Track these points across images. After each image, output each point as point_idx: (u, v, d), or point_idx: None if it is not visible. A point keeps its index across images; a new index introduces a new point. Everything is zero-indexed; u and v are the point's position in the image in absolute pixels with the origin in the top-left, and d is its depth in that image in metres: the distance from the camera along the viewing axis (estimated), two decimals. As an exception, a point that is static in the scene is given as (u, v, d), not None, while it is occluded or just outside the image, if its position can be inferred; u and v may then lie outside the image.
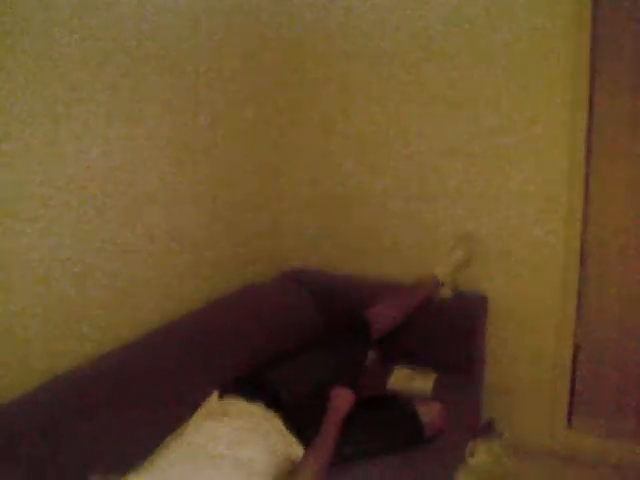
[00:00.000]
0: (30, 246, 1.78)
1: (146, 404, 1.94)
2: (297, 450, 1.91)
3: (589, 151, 2.49)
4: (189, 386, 2.10)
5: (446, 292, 2.56)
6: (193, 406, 2.05)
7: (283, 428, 1.95)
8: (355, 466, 1.89)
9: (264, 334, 2.41)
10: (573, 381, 2.65)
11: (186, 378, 2.09)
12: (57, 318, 1.91)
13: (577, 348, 2.63)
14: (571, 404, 2.67)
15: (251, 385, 2.10)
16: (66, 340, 1.95)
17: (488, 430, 2.47)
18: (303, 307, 2.66)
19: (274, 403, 2.02)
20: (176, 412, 2.00)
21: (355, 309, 2.40)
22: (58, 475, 1.63)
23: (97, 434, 1.78)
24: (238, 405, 2.00)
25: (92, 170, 1.96)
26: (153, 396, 1.97)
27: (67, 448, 1.68)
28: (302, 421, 1.98)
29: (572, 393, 2.66)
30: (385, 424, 2.02)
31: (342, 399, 2.03)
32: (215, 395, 2.09)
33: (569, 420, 2.69)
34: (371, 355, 2.48)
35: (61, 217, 1.87)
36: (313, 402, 2.06)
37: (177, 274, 2.37)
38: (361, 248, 2.82)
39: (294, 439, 1.93)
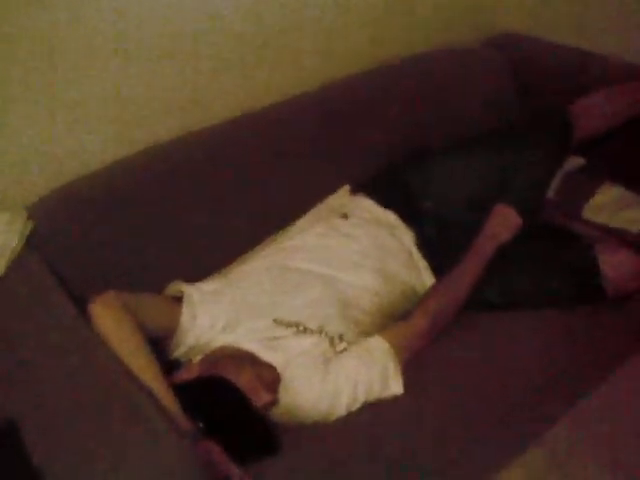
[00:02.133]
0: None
1: (264, 182, 1.59)
2: (425, 279, 1.47)
3: None
4: (321, 171, 1.69)
5: None
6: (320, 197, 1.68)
7: (414, 247, 1.50)
8: (497, 317, 1.39)
9: (437, 110, 1.85)
10: None
11: (320, 160, 1.68)
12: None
13: None
14: None
15: (391, 184, 1.63)
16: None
17: None
18: (498, 84, 2.00)
19: (411, 214, 1.55)
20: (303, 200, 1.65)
21: (564, 98, 1.72)
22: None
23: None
24: (367, 208, 1.56)
25: None
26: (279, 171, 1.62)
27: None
28: (442, 242, 1.51)
29: None
30: (550, 270, 1.43)
31: (504, 223, 1.49)
32: (345, 189, 1.67)
33: None
34: (573, 162, 1.82)
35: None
36: (463, 218, 1.55)
37: (364, 22, 1.85)
38: (591, 17, 1.96)
39: (425, 264, 1.48)
